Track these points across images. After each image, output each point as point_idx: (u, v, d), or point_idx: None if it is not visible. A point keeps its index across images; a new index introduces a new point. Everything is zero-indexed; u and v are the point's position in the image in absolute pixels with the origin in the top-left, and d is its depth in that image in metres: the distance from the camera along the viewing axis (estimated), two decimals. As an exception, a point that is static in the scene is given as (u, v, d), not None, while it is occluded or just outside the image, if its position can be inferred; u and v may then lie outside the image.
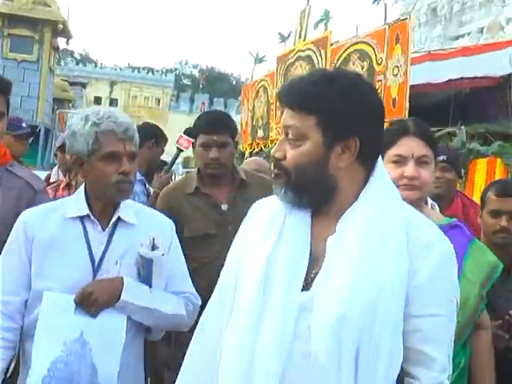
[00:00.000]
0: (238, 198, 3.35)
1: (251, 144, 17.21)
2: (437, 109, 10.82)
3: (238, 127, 18.17)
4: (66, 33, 19.57)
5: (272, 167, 1.78)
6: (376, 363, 1.58)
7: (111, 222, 2.35)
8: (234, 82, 75.76)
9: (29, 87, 18.43)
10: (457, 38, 14.54)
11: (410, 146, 2.29)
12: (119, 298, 2.24)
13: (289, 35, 14.66)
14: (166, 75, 64.12)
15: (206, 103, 60.12)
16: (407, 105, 9.64)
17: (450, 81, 11.12)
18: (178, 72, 77.01)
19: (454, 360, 2.15)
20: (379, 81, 10.59)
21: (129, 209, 2.41)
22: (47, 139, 18.89)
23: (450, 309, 1.70)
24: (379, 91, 10.51)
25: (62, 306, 2.19)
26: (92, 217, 2.34)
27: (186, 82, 76.61)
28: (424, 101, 10.62)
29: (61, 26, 18.75)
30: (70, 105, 25.71)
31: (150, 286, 2.32)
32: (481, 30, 13.74)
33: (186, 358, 1.90)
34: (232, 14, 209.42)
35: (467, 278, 2.31)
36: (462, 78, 11.23)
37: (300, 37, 14.38)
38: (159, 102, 60.99)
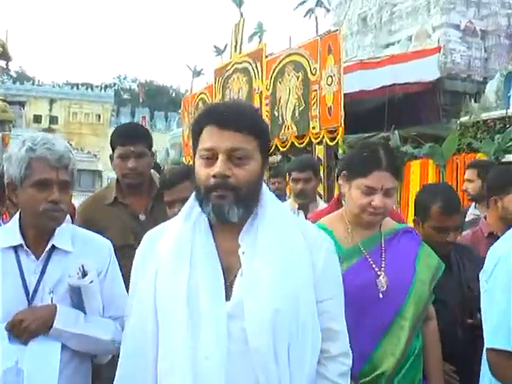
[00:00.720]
0: (155, 207, 3.40)
1: (194, 156, 17.42)
2: (372, 114, 11.16)
3: (180, 140, 18.13)
4: (5, 55, 19.48)
5: (212, 191, 1.83)
6: (304, 345, 1.83)
7: (45, 251, 2.28)
8: (174, 95, 75.53)
9: None
10: (387, 46, 15.00)
11: (381, 179, 2.44)
12: (52, 326, 2.18)
13: (225, 48, 14.98)
14: (105, 90, 63.30)
15: (147, 117, 59.71)
16: (342, 113, 10.01)
17: (383, 87, 11.52)
18: (117, 87, 76.27)
19: (410, 347, 2.48)
20: (314, 90, 10.96)
21: (65, 235, 2.33)
22: (-10, 161, 18.70)
23: (340, 289, 1.99)
24: (315, 100, 10.86)
25: None
26: (25, 246, 2.27)
27: (125, 96, 76.15)
28: (359, 107, 10.96)
29: (0, 49, 18.70)
30: (11, 125, 25.43)
31: (85, 314, 2.27)
32: (410, 38, 14.23)
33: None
34: (167, 28, 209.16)
35: (420, 278, 2.54)
36: (394, 85, 11.66)
37: (236, 50, 14.66)
38: (100, 117, 60.26)
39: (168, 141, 35.43)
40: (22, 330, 2.15)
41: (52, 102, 59.35)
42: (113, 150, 3.49)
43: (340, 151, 10.20)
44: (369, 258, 2.53)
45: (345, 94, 10.26)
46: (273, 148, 12.43)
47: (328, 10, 16.21)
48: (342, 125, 9.99)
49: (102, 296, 2.31)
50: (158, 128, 54.49)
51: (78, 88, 62.37)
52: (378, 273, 2.50)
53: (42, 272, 2.26)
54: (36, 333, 2.17)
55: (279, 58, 12.39)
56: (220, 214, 1.84)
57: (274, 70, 12.42)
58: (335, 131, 10.11)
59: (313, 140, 10.78)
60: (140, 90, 67.21)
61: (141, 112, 60.29)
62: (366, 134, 10.24)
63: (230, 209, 1.83)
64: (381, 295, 2.46)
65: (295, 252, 1.88)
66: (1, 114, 20.81)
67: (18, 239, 2.28)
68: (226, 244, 1.88)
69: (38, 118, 57.63)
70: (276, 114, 12.29)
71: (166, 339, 1.86)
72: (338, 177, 3.55)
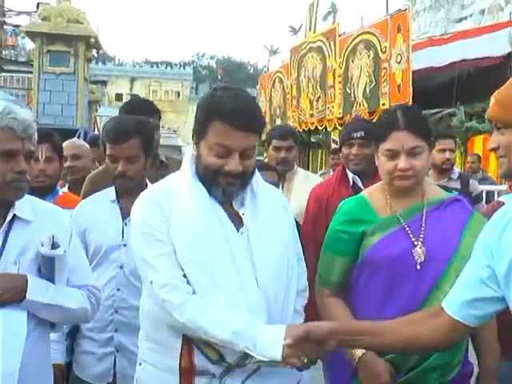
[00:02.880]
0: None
1: (270, 133, 18.00)
2: (441, 91, 11.39)
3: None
4: (97, 45, 21.29)
5: (219, 177, 2.10)
6: (292, 284, 2.20)
7: (6, 221, 2.20)
8: (252, 70, 76.24)
9: (68, 96, 20.31)
10: (460, 20, 15.02)
11: (400, 139, 2.34)
12: (24, 297, 2.12)
13: (300, 28, 15.48)
14: (184, 68, 64.73)
15: (225, 93, 60.61)
16: (411, 90, 10.36)
17: (452, 63, 11.73)
18: (195, 64, 77.55)
19: None
20: (384, 68, 11.32)
21: (25, 205, 2.26)
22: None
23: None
24: (385, 78, 11.27)
25: None
26: None
27: (204, 73, 77.28)
28: (428, 84, 11.23)
29: (93, 40, 20.73)
30: (98, 106, 27.04)
31: (53, 283, 2.23)
32: (482, 12, 14.22)
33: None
34: (244, 7, 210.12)
35: (465, 249, 2.28)
36: (463, 60, 11.84)
37: (310, 29, 15.06)
38: (179, 94, 61.58)
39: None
40: None
41: (133, 80, 61.05)
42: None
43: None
44: (407, 227, 2.40)
45: (414, 71, 10.50)
46: (345, 124, 12.96)
47: (399, -11, 16.38)
48: (411, 101, 10.19)
49: None
50: (235, 104, 55.15)
51: (157, 66, 63.96)
52: (415, 243, 2.36)
53: (4, 242, 2.18)
54: (5, 303, 2.10)
55: (351, 37, 12.69)
56: (229, 196, 2.15)
57: (347, 48, 12.74)
58: (404, 108, 10.47)
59: (383, 116, 11.19)
60: (218, 67, 68.22)
61: (219, 88, 61.02)
62: (433, 110, 10.50)
63: (236, 193, 2.15)
64: (418, 266, 2.34)
65: (281, 212, 2.27)
66: (90, 95, 22.51)
67: None
68: (227, 209, 2.17)
69: (119, 97, 59.32)
70: (348, 91, 12.68)
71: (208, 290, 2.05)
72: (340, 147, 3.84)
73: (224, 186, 2.10)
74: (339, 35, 13.38)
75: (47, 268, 2.20)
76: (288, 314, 2.14)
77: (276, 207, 2.25)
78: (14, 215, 2.21)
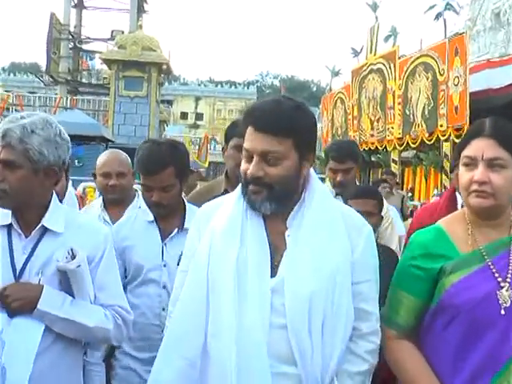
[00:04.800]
0: None
1: (332, 152, 18.44)
2: (498, 112, 11.43)
3: (320, 135, 19.23)
4: (168, 71, 22.78)
5: (248, 185, 1.97)
6: (337, 323, 1.96)
7: (35, 231, 2.21)
8: (315, 89, 76.67)
9: (141, 118, 21.84)
10: (520, 41, 15.20)
11: (481, 146, 2.02)
12: (36, 307, 2.12)
13: (361, 50, 15.87)
14: (248, 88, 65.57)
15: (288, 112, 61.13)
16: (468, 111, 10.68)
17: (509, 85, 11.80)
18: (259, 83, 78.46)
19: None
20: (442, 90, 11.65)
21: (57, 216, 2.26)
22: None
23: (375, 275, 2.07)
24: (443, 100, 11.60)
25: None
26: (15, 226, 2.21)
27: (267, 92, 78.10)
28: (485, 105, 11.37)
29: (164, 66, 22.44)
30: (166, 125, 28.22)
31: (73, 298, 2.20)
32: (542, 34, 14.40)
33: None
34: (308, 29, 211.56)
35: None
36: (522, 82, 11.99)
37: (371, 51, 15.47)
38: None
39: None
40: (6, 305, 2.11)
41: (197, 99, 62.06)
42: (227, 140, 3.32)
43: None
44: (492, 266, 2.04)
45: (471, 93, 10.75)
46: (404, 144, 13.30)
47: (457, 13, 16.57)
48: (468, 123, 10.47)
49: (94, 283, 2.25)
50: (298, 122, 55.65)
51: (222, 86, 64.95)
52: (502, 284, 2.01)
53: (31, 252, 2.19)
54: (18, 311, 2.11)
55: (410, 60, 13.09)
56: (253, 207, 2.00)
57: (406, 70, 13.13)
58: (461, 129, 10.69)
59: (440, 137, 11.48)
60: (281, 86, 68.88)
61: (282, 107, 61.54)
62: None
63: (262, 204, 1.97)
64: (503, 311, 1.99)
65: (335, 237, 2.00)
66: (159, 115, 23.79)
67: (8, 218, 2.22)
68: (275, 226, 2.01)
69: (184, 115, 60.49)
70: (407, 112, 13.03)
71: (215, 307, 1.97)
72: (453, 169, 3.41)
73: (250, 193, 1.98)
74: (399, 58, 13.78)
75: (64, 281, 2.18)
76: (333, 351, 1.96)
77: (331, 234, 2.01)
78: (45, 226, 2.22)
